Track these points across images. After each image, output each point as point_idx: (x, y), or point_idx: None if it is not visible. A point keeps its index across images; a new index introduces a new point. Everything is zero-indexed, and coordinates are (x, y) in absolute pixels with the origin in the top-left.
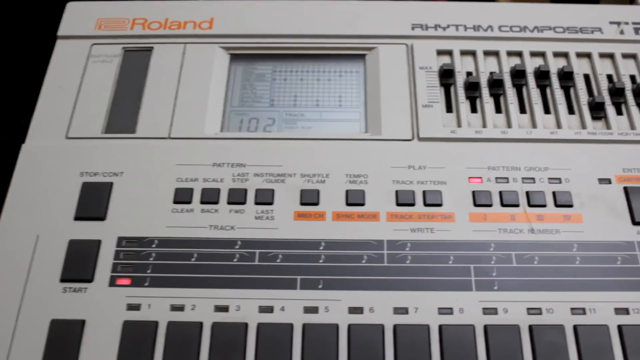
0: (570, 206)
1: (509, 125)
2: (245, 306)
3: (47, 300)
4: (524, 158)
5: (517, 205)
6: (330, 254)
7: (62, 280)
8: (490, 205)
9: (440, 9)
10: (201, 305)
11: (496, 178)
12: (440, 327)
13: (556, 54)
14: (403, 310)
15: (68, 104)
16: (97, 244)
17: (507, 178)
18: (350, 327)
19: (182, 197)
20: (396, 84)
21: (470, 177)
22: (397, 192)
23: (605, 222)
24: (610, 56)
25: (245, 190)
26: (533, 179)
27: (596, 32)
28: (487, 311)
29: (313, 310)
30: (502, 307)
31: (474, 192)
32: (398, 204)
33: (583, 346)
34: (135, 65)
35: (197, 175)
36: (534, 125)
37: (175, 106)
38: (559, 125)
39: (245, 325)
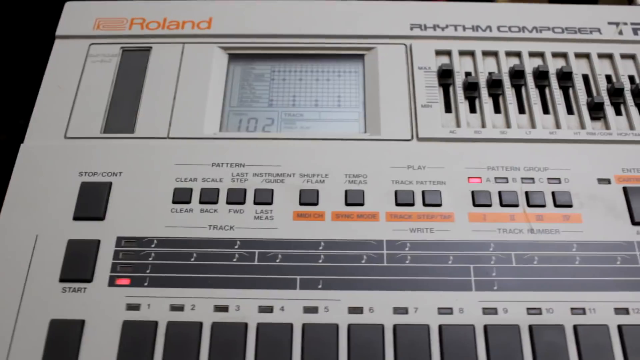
0: (570, 206)
1: (508, 126)
2: (245, 306)
3: (47, 300)
4: (523, 158)
5: (516, 206)
6: (330, 254)
7: (62, 280)
8: (489, 205)
9: (439, 9)
10: (201, 305)
11: (495, 178)
12: (440, 327)
13: (555, 54)
14: (403, 310)
15: (67, 104)
16: (96, 244)
17: (506, 178)
18: (350, 327)
19: (181, 197)
20: (395, 84)
21: (469, 177)
22: (396, 192)
23: (605, 222)
24: (609, 56)
25: (245, 190)
26: (532, 179)
27: (595, 33)
28: (487, 311)
29: (313, 310)
30: (502, 307)
31: (473, 192)
32: (397, 204)
33: (583, 346)
34: (133, 65)
35: (196, 175)
36: (533, 126)
37: (174, 106)
38: (558, 126)
39: (245, 325)
